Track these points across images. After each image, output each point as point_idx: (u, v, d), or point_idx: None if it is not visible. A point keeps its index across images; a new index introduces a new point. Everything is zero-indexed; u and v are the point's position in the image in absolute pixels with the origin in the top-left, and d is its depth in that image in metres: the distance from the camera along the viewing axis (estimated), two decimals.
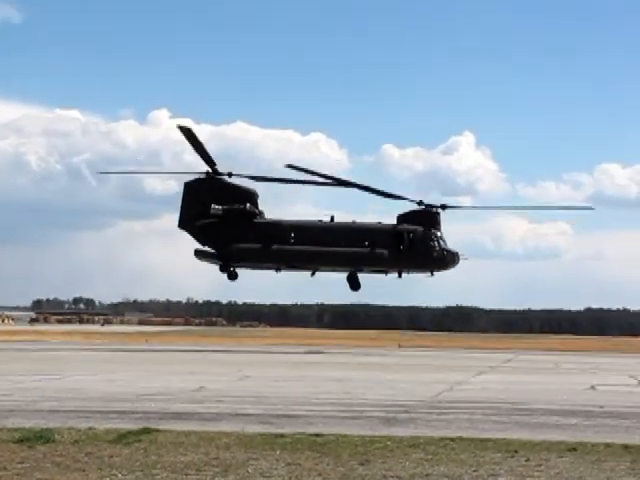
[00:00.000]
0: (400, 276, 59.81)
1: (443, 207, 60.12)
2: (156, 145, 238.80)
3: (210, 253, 58.37)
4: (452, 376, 35.84)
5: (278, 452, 14.41)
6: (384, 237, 58.35)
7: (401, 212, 60.06)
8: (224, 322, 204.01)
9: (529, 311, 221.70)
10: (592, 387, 31.17)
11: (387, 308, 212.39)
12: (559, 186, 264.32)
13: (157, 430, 16.30)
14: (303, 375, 34.28)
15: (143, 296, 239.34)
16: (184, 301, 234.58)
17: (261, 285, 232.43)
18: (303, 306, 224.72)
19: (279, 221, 59.14)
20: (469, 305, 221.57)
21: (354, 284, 59.88)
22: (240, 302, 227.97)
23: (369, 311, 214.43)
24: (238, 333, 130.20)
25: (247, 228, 57.09)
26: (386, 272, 60.17)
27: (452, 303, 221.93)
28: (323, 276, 62.35)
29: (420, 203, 59.78)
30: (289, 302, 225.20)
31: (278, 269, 59.82)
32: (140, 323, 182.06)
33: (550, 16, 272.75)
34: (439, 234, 59.35)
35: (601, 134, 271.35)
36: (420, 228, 58.73)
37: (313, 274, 59.86)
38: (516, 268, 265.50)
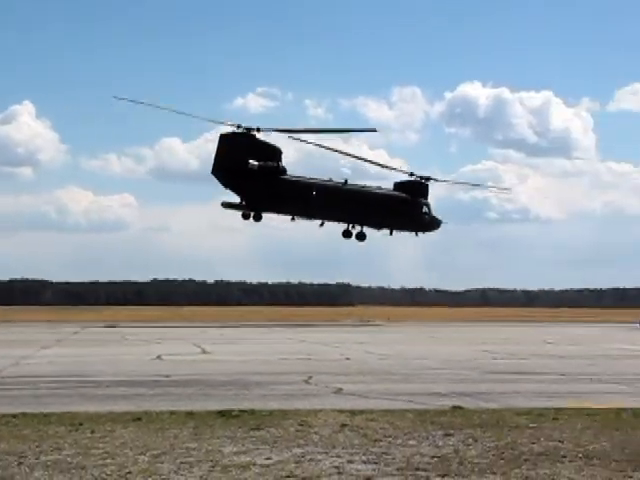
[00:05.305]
0: (391, 234, 71.88)
1: (428, 179, 72.53)
2: None
3: (236, 204, 66.02)
4: (17, 351, 34.97)
5: None
6: (389, 201, 69.97)
7: (397, 181, 72.53)
8: None
9: (95, 283, 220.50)
10: (158, 357, 31.75)
11: None
12: (121, 159, 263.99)
13: None
14: None
15: None
16: None
17: None
18: None
19: (302, 179, 68.05)
20: (35, 278, 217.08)
21: (362, 236, 71.60)
22: None
23: None
24: None
25: (276, 183, 65.07)
26: (379, 229, 71.83)
27: (17, 276, 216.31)
28: None
29: (411, 174, 72.38)
30: None
31: (293, 218, 69.26)
32: None
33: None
34: (428, 202, 72.19)
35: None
36: (417, 197, 71.00)
37: (322, 225, 69.55)
38: (82, 240, 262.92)
